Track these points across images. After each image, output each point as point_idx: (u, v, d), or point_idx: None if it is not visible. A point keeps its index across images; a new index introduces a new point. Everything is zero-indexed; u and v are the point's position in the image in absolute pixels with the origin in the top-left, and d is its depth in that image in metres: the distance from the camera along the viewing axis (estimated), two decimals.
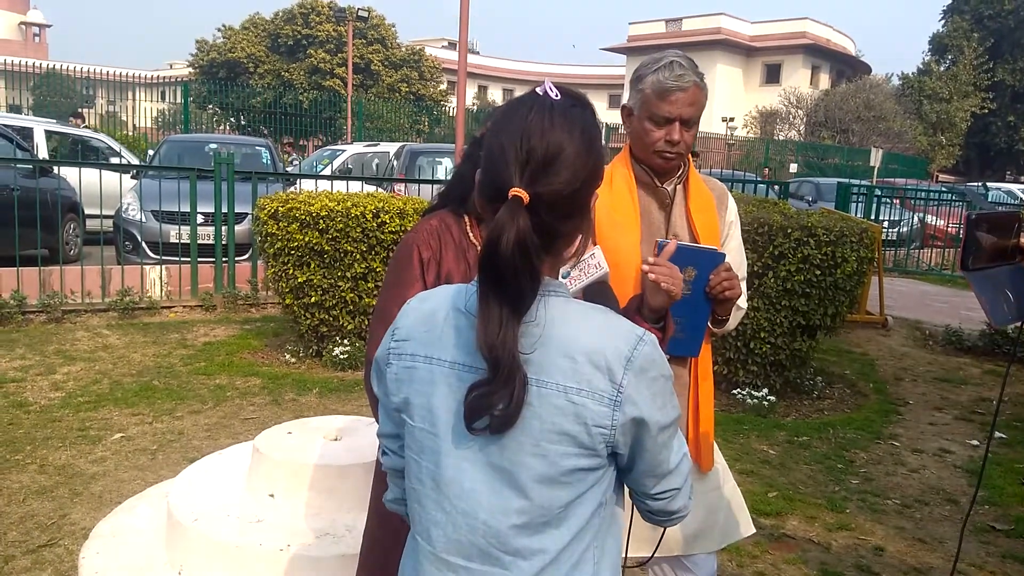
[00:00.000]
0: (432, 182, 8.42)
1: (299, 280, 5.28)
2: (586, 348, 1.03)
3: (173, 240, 7.39)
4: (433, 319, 1.11)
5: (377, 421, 1.73)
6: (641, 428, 1.05)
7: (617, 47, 48.78)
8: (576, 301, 1.10)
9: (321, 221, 5.20)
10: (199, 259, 7.20)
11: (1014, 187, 21.47)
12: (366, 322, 5.50)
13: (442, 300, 1.13)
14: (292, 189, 8.89)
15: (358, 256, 5.29)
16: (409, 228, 5.41)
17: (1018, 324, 1.42)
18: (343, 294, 5.34)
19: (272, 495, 2.49)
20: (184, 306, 6.95)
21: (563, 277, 1.28)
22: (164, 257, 7.31)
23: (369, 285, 5.36)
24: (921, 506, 3.76)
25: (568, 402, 1.02)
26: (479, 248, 1.71)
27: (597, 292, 1.58)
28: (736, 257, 2.02)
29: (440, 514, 1.07)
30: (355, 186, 8.04)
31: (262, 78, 36.44)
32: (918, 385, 5.90)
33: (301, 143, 27.59)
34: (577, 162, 1.03)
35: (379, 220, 5.31)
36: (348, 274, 5.31)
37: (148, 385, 4.90)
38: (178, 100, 28.28)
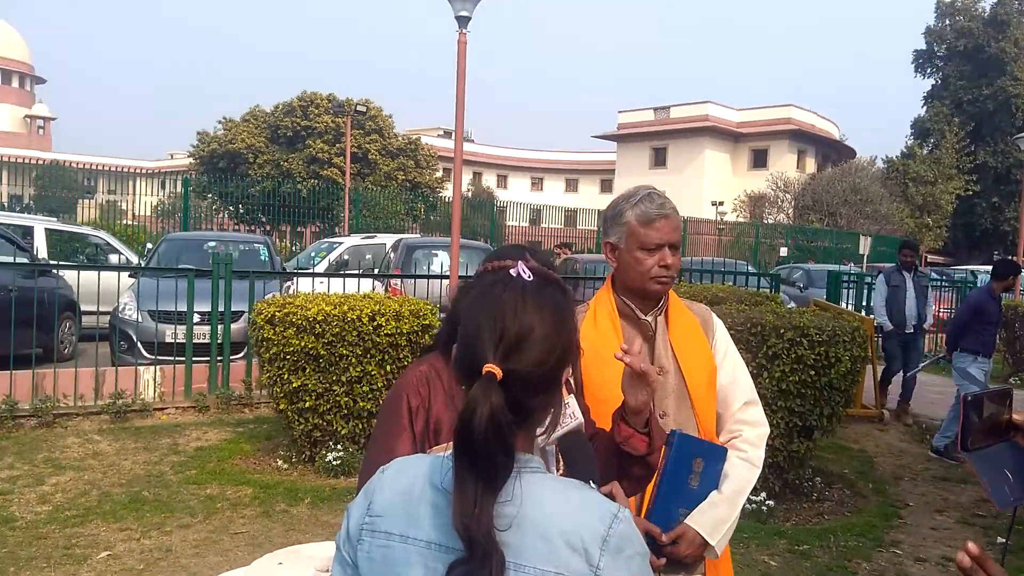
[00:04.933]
0: (429, 277, 8.50)
1: (294, 385, 5.26)
2: (562, 529, 1.04)
3: (169, 340, 7.39)
4: (409, 495, 1.11)
5: None
6: None
7: (608, 135, 50.05)
8: (551, 476, 1.12)
9: (317, 326, 5.23)
10: (193, 359, 7.20)
11: None
12: (360, 426, 5.47)
13: (418, 475, 1.13)
14: (288, 283, 8.99)
15: (353, 360, 5.30)
16: (405, 330, 5.47)
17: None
18: (338, 398, 5.32)
19: None
20: (177, 407, 6.90)
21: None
22: (159, 357, 7.29)
23: (364, 388, 5.35)
24: None
25: None
26: None
27: (572, 443, 1.59)
28: (739, 376, 2.05)
29: None
30: (352, 279, 8.12)
31: (261, 168, 37.17)
32: (918, 485, 5.83)
33: (299, 230, 27.97)
34: (548, 341, 1.08)
35: (375, 323, 5.34)
36: (343, 378, 5.30)
37: (137, 496, 4.82)
38: (178, 189, 28.77)
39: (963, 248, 38.80)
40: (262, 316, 5.41)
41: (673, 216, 1.94)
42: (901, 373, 8.03)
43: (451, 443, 1.58)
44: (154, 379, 7.09)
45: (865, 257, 14.65)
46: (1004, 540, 4.72)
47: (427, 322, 5.62)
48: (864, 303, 12.16)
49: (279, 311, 5.36)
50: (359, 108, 28.33)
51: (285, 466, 5.48)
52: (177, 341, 7.27)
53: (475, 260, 9.55)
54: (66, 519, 4.41)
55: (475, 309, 1.12)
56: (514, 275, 1.14)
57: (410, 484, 1.12)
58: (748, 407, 2.04)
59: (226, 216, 29.76)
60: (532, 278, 1.13)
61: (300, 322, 5.26)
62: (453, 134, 8.78)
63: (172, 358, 7.17)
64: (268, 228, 28.34)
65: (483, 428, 1.00)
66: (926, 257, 34.41)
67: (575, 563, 1.03)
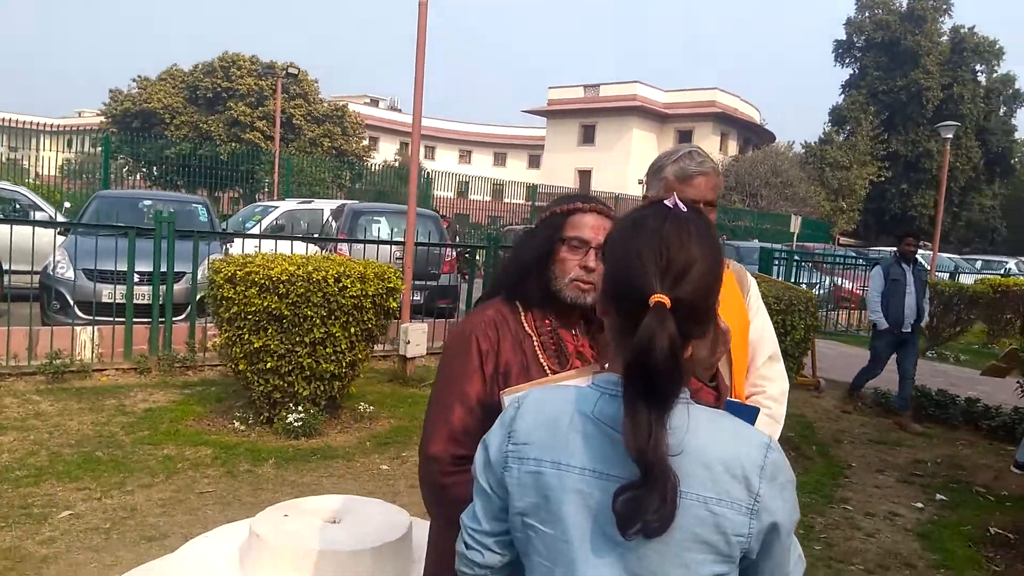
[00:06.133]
0: (377, 242, 8.37)
1: (255, 345, 5.12)
2: (721, 457, 1.07)
3: (106, 300, 7.06)
4: (556, 424, 1.12)
5: (432, 517, 1.68)
6: (773, 534, 1.08)
7: (537, 110, 50.04)
8: (701, 407, 1.13)
9: (281, 286, 5.09)
10: (133, 319, 6.90)
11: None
12: (322, 388, 5.38)
13: (565, 404, 1.14)
14: (228, 246, 8.70)
15: (318, 321, 5.18)
16: (370, 292, 5.39)
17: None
18: (300, 359, 5.21)
19: None
20: (117, 369, 6.62)
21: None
22: (97, 317, 6.96)
23: (328, 350, 5.25)
24: (883, 571, 3.90)
25: (708, 512, 1.05)
26: (535, 338, 1.72)
27: None
28: (766, 332, 2.13)
29: None
30: (295, 245, 7.92)
31: (179, 129, 35.67)
32: (857, 447, 6.15)
33: (216, 195, 27.02)
34: (710, 270, 1.10)
35: (340, 285, 5.23)
36: (307, 339, 5.19)
37: (91, 456, 4.62)
38: (87, 148, 27.26)
39: (873, 232, 40.71)
40: (221, 275, 5.23)
41: (712, 175, 1.98)
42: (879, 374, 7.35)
43: (519, 385, 1.58)
44: (92, 340, 6.77)
45: (795, 236, 15.29)
46: (942, 497, 5.05)
47: (391, 285, 5.55)
48: (793, 280, 12.67)
49: (240, 270, 5.19)
50: (291, 71, 27.36)
51: (242, 427, 5.34)
52: (116, 301, 6.96)
53: (425, 228, 9.47)
54: (17, 479, 4.20)
55: (630, 240, 1.11)
56: (671, 206, 1.13)
57: (556, 413, 1.13)
58: (772, 362, 2.12)
59: (139, 177, 28.43)
60: (687, 210, 1.13)
61: (263, 282, 5.11)
62: (398, 106, 8.64)
63: (110, 319, 6.85)
64: (183, 192, 27.30)
65: (663, 356, 1.01)
66: (839, 238, 35.94)
67: (736, 490, 1.05)
